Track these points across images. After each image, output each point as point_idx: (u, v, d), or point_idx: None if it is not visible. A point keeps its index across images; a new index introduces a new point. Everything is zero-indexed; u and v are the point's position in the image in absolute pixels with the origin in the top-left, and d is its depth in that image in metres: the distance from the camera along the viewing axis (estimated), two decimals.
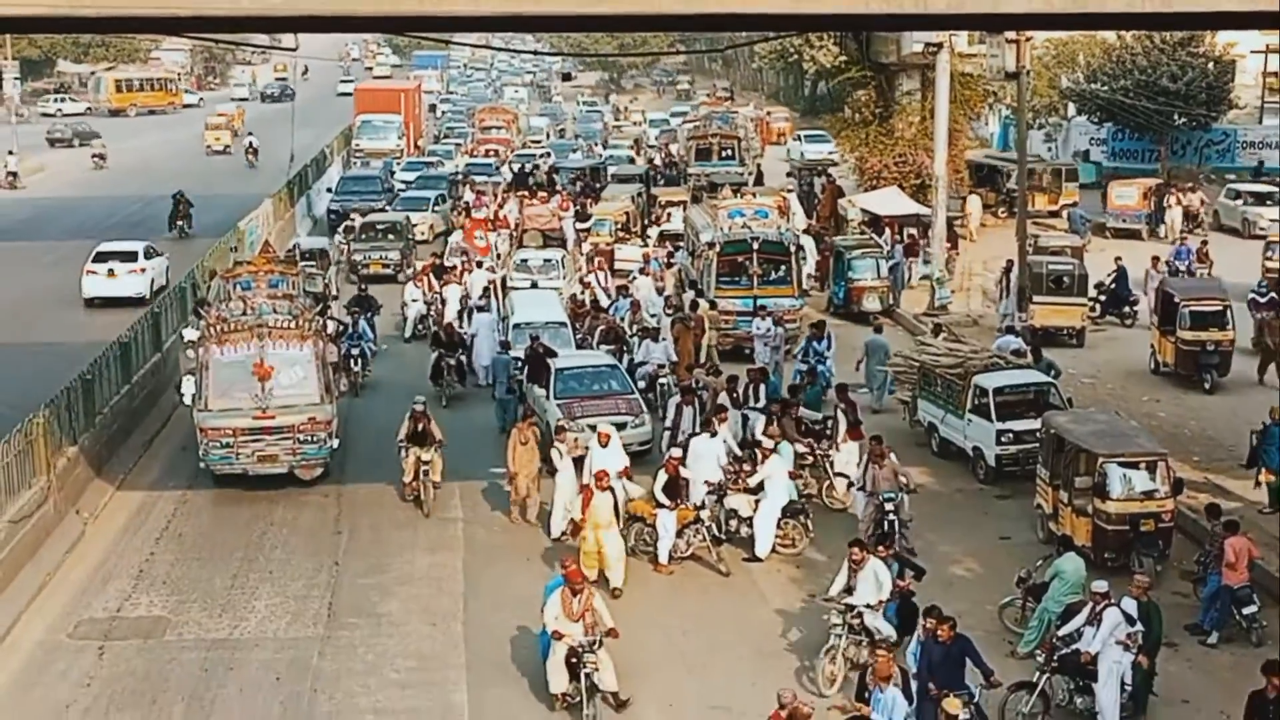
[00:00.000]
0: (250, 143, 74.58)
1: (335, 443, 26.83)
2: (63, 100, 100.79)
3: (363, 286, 35.94)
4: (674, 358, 31.24)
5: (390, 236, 47.33)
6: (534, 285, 38.24)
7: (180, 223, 52.57)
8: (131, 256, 42.84)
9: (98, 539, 24.56)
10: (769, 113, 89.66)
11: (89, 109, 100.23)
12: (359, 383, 32.93)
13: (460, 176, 60.33)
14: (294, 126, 56.87)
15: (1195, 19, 30.54)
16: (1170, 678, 18.90)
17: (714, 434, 24.46)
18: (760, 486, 23.41)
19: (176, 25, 25.27)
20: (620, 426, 26.40)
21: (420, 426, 25.55)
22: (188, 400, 26.88)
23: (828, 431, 26.37)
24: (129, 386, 29.41)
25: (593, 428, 25.32)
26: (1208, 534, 21.56)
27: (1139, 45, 59.14)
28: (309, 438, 26.36)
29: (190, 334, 27.80)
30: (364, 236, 47.27)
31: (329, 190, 60.18)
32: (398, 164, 66.99)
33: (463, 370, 32.30)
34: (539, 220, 45.98)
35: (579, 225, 47.33)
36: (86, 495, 25.69)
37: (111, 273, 42.21)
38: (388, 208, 53.50)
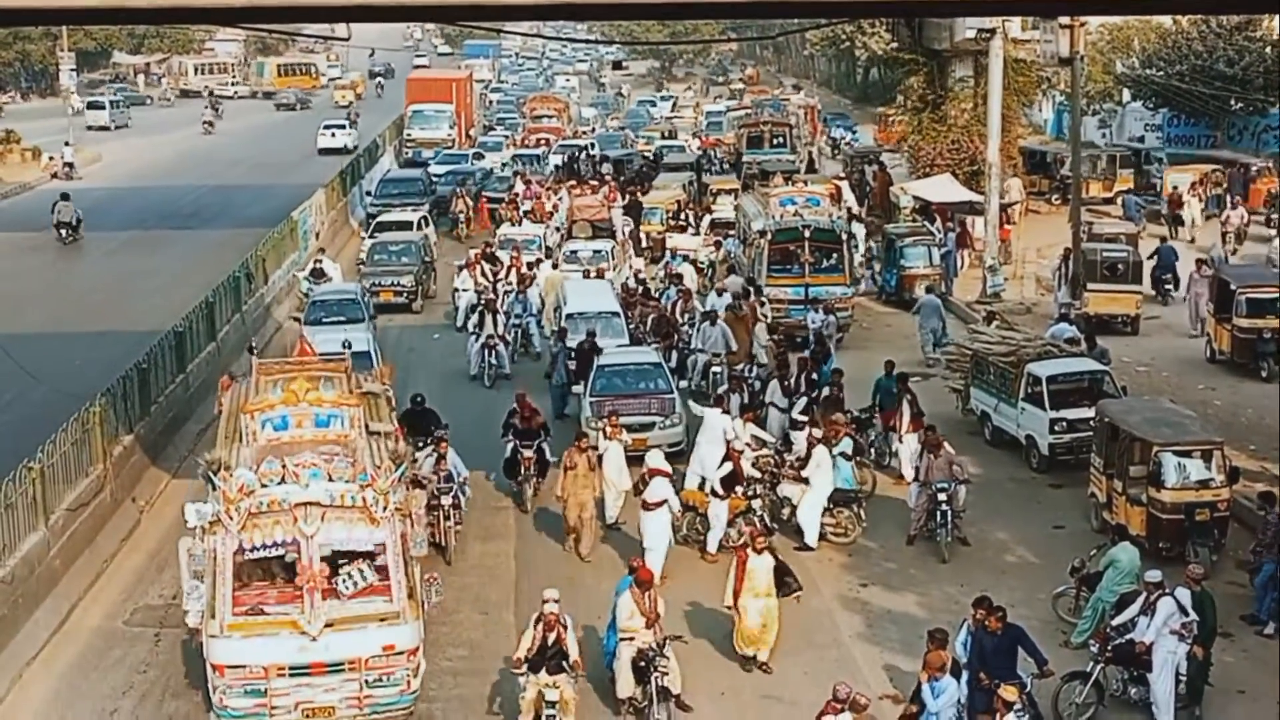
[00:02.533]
0: (380, 82, 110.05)
1: (419, 679, 17.72)
2: (236, 84, 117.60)
3: (418, 398, 25.84)
4: (733, 346, 31.03)
5: (404, 259, 41.61)
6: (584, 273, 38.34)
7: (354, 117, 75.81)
8: (342, 125, 76.37)
9: (153, 527, 24.77)
10: (883, 115, 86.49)
11: (254, 92, 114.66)
12: (452, 548, 23.02)
13: (465, 182, 53.91)
14: (350, 113, 57.28)
15: (1254, 2, 30.24)
16: (1226, 668, 18.77)
17: (725, 410, 24.93)
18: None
19: (232, 16, 25.37)
20: (648, 427, 26.39)
21: (554, 638, 17.39)
22: (193, 619, 18.26)
23: (873, 421, 26.44)
24: (184, 376, 29.62)
25: (627, 428, 24.91)
26: (1261, 522, 21.38)
27: (1195, 29, 58.53)
28: (384, 678, 17.34)
29: (196, 513, 17.89)
30: (375, 259, 41.83)
31: (369, 194, 55.59)
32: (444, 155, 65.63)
33: (544, 461, 25.14)
34: (588, 211, 45.86)
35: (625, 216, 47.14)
36: (142, 484, 25.90)
37: (333, 134, 74.38)
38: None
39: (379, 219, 47.01)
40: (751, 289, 34.39)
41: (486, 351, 32.75)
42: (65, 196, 51.89)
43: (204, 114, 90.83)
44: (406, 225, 45.66)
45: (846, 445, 23.97)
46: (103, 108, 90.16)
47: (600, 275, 37.64)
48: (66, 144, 69.40)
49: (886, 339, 36.25)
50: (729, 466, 23.04)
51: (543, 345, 34.16)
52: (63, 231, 50.67)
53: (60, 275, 44.84)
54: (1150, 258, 39.12)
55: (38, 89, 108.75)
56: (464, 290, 38.04)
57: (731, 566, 19.24)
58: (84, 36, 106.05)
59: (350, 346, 25.46)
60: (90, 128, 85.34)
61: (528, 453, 25.04)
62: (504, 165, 62.18)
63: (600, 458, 23.58)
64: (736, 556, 19.28)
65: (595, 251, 40.64)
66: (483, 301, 34.59)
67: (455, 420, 29.49)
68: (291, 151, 74.20)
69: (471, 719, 18.28)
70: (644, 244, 44.71)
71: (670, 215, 46.74)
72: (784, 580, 19.41)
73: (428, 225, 46.68)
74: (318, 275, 38.95)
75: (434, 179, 56.48)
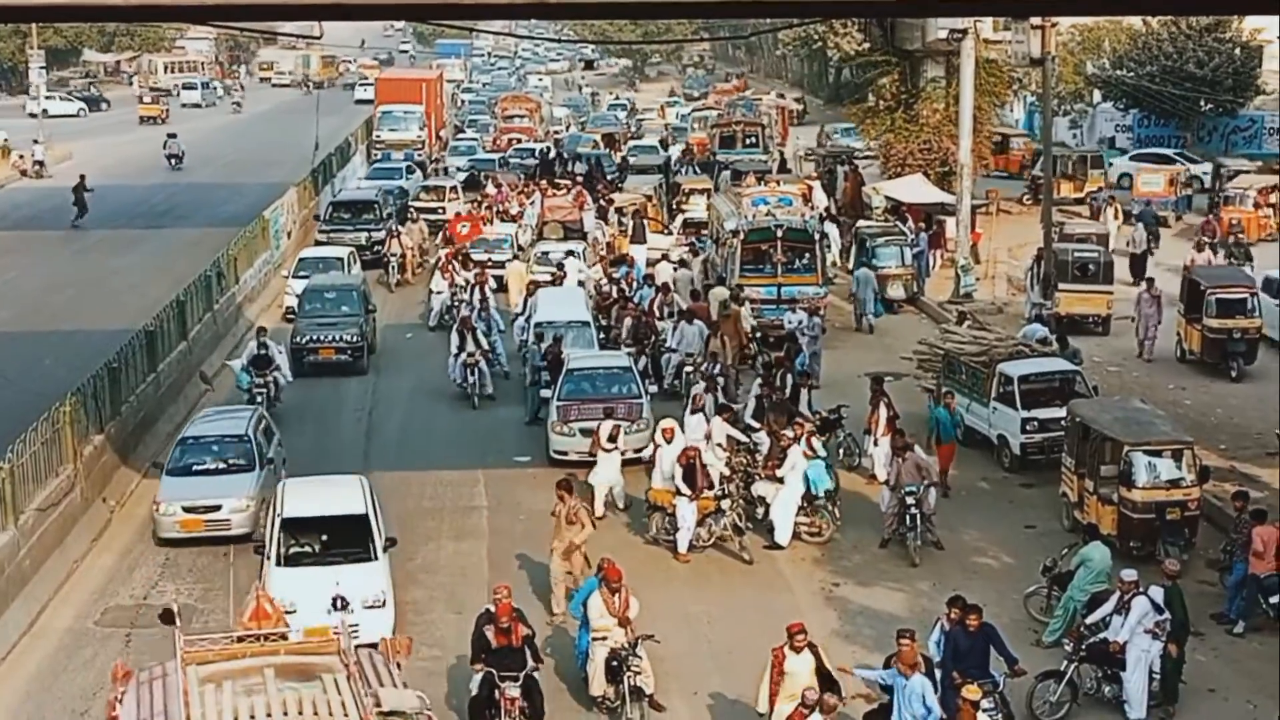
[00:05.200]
0: (412, 57, 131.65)
1: None
2: (283, 74, 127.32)
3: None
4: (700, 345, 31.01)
5: (344, 308, 34.69)
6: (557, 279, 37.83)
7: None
8: (370, 85, 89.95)
9: (124, 527, 24.67)
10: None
11: (298, 80, 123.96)
12: None
13: (405, 213, 48.36)
14: (318, 113, 56.84)
15: (1223, 3, 30.38)
16: (1197, 667, 18.86)
17: (696, 410, 25.49)
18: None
19: (204, 14, 25.27)
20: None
21: None
22: None
23: (841, 422, 26.54)
24: (155, 375, 29.47)
25: (584, 432, 26.10)
26: (1234, 521, 21.48)
27: (1165, 31, 58.92)
28: None
29: None
30: (308, 308, 34.85)
31: (316, 218, 48.75)
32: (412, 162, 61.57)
33: (539, 703, 17.27)
34: (559, 212, 45.48)
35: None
36: (113, 483, 25.75)
37: (365, 90, 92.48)
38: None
39: (301, 255, 41.35)
40: (727, 289, 34.40)
41: (467, 371, 31.14)
42: (173, 135, 69.77)
43: (234, 95, 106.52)
44: (334, 263, 39.82)
45: (818, 446, 23.90)
46: (195, 88, 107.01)
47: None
48: (36, 141, 68.97)
49: (859, 340, 36.34)
50: (682, 466, 22.99)
51: (510, 363, 33.17)
52: (171, 161, 67.24)
53: (29, 274, 44.55)
54: (1136, 218, 43.25)
55: (7, 86, 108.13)
56: (438, 292, 37.76)
57: (766, 666, 16.66)
58: (53, 34, 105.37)
59: (346, 606, 18.34)
60: (185, 105, 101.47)
61: (511, 690, 16.91)
62: (441, 172, 59.28)
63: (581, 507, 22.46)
64: (773, 655, 16.56)
65: (567, 253, 40.34)
66: (459, 320, 32.47)
67: (434, 438, 29.65)
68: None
69: (444, 718, 18.24)
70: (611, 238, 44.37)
71: (634, 215, 46.53)
72: (829, 687, 16.28)
73: (355, 263, 41.00)
74: (261, 364, 29.98)
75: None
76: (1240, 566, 20.54)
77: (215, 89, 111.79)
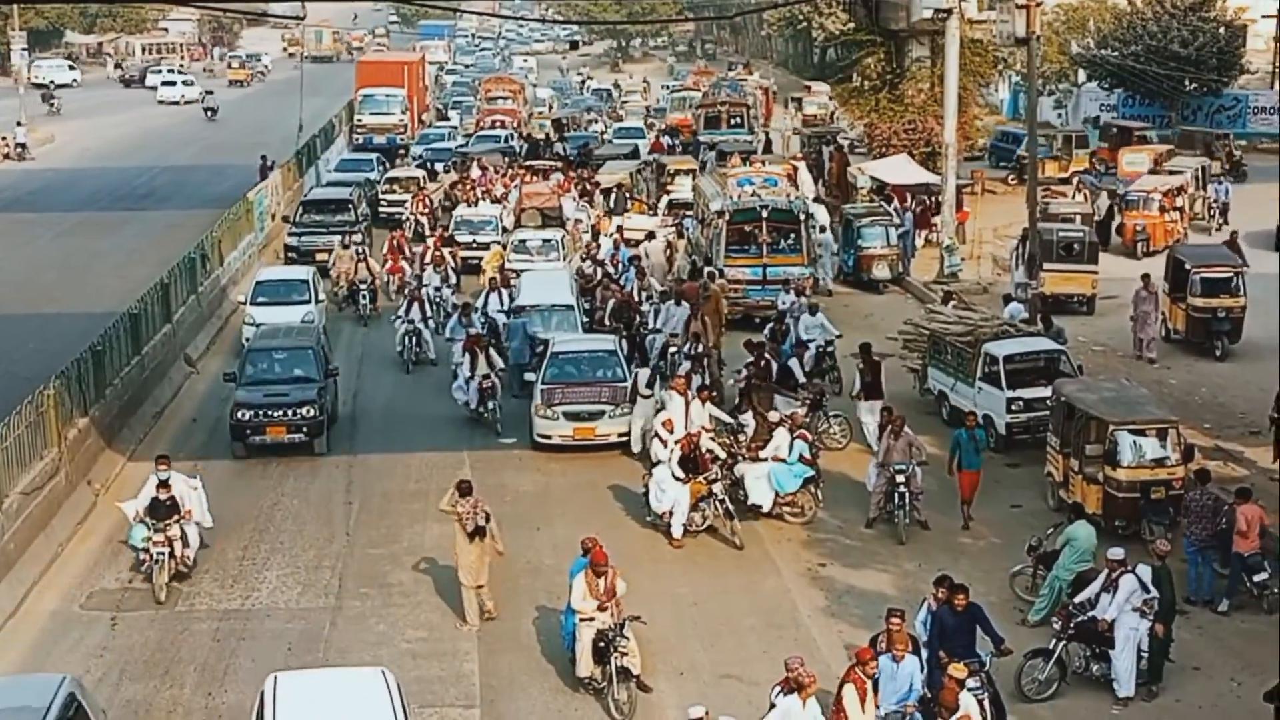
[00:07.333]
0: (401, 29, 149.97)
1: None
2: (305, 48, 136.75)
3: None
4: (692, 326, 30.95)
5: (298, 370, 27.71)
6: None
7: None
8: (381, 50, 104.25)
9: (109, 510, 24.53)
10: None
11: (309, 56, 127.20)
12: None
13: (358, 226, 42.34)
14: (303, 93, 56.56)
15: None
16: (1182, 645, 18.89)
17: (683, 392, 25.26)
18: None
19: None
20: (598, 415, 26.58)
21: None
22: None
23: (824, 401, 26.65)
24: (139, 357, 29.37)
25: (569, 415, 26.54)
26: (1187, 491, 21.40)
27: (1149, 10, 58.96)
28: None
29: None
30: (252, 370, 27.84)
31: (286, 220, 44.58)
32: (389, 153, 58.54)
33: None
34: (538, 199, 44.61)
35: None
36: (98, 466, 25.65)
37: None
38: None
39: (259, 278, 35.33)
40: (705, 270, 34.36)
41: (484, 394, 28.24)
42: (210, 92, 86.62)
43: (257, 67, 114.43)
44: (297, 285, 34.43)
45: (802, 448, 23.64)
46: (243, 62, 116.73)
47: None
48: (19, 124, 68.71)
49: (844, 319, 36.23)
50: (680, 452, 22.96)
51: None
52: (207, 113, 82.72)
53: (11, 258, 44.39)
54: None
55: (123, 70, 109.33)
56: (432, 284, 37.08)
57: (845, 690, 15.65)
58: (35, 15, 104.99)
59: None
60: (232, 82, 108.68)
61: None
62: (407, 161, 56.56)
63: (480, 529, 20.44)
64: (855, 685, 15.60)
65: (544, 240, 39.58)
66: (466, 338, 28.90)
67: (419, 419, 29.49)
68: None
69: (431, 700, 18.24)
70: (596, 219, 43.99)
71: (616, 189, 46.37)
72: None
73: (320, 287, 35.23)
74: (162, 512, 21.45)
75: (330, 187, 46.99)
76: (1187, 538, 20.67)
77: (258, 61, 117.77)
